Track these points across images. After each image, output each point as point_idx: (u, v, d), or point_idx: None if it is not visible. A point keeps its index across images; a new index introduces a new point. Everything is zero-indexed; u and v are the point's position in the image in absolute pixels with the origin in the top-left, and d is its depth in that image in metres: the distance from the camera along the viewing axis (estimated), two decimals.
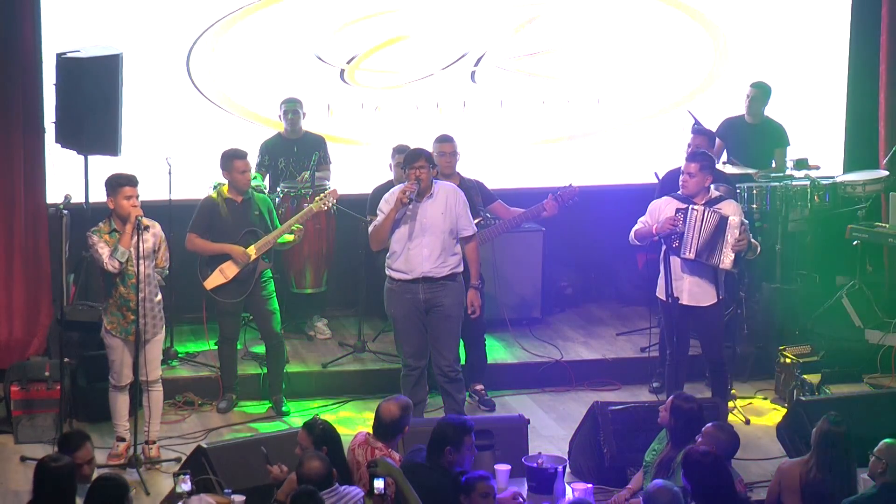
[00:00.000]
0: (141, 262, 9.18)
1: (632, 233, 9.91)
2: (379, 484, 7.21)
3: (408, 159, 9.66)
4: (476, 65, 12.13)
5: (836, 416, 7.75)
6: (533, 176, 12.33)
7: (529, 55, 12.18)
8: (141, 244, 9.17)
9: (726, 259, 9.59)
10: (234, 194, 10.26)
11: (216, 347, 10.55)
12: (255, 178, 10.63)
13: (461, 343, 10.15)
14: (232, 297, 10.24)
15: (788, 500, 7.73)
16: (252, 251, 10.17)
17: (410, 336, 9.71)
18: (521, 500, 7.79)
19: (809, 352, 10.80)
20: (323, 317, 11.69)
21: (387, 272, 9.74)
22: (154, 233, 9.40)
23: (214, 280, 10.21)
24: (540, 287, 11.88)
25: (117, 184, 9.27)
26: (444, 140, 10.50)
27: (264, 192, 10.87)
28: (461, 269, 9.74)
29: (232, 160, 10.23)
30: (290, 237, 10.36)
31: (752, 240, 9.85)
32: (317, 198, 10.41)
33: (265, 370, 10.59)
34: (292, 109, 11.45)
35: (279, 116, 11.54)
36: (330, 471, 7.22)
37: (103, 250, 9.22)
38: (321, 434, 7.70)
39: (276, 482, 7.67)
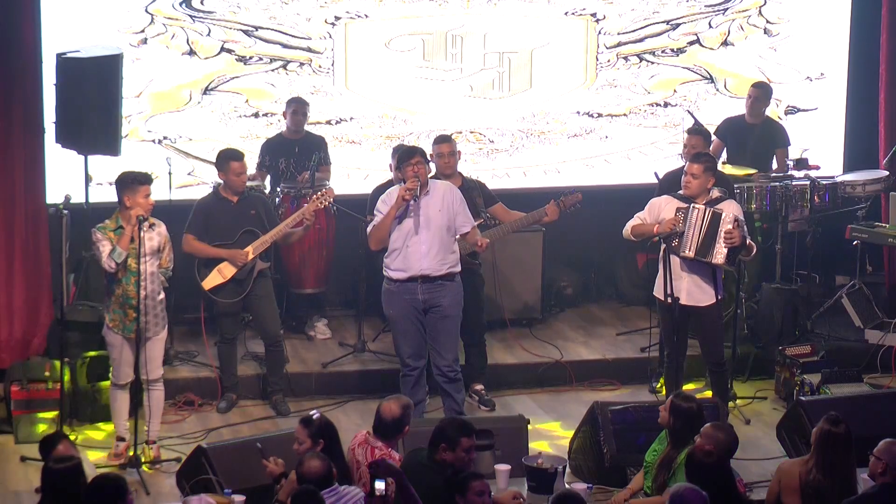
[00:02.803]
0: (143, 259, 9.18)
1: (628, 227, 9.88)
2: (380, 485, 7.21)
3: (402, 157, 9.67)
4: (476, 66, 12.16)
5: (836, 416, 7.74)
6: (533, 176, 12.34)
7: (528, 54, 12.19)
8: (146, 242, 9.17)
9: (718, 255, 9.59)
10: (230, 194, 10.25)
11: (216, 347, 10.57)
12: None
13: (461, 343, 10.16)
14: (230, 296, 10.23)
15: (788, 500, 7.72)
16: (249, 251, 10.16)
17: (409, 336, 9.71)
18: (521, 500, 7.79)
19: (809, 352, 10.80)
20: (323, 317, 11.68)
21: (384, 272, 9.74)
22: (159, 232, 9.40)
23: (212, 280, 10.20)
24: (540, 287, 11.87)
25: (137, 182, 9.26)
26: (442, 140, 10.49)
27: (261, 192, 10.87)
28: (459, 268, 9.74)
29: (228, 161, 10.21)
30: (297, 229, 10.31)
31: (749, 241, 9.81)
32: (313, 197, 10.39)
33: (265, 370, 10.59)
34: (301, 110, 11.44)
35: (283, 115, 11.54)
36: (330, 470, 7.22)
37: (105, 248, 9.22)
38: (318, 428, 7.69)
39: (272, 477, 7.66)
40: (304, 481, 7.12)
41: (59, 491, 6.88)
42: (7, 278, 10.68)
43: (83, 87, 10.25)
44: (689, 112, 12.02)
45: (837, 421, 7.68)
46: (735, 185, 11.01)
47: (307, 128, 11.57)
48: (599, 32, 12.33)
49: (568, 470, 8.77)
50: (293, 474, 7.37)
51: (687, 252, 9.61)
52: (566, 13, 12.25)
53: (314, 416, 7.80)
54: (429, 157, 9.89)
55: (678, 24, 12.48)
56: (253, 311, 10.47)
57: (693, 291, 9.72)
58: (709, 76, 12.57)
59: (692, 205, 9.65)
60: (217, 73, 11.75)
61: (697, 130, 11.07)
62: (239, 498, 7.77)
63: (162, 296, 9.45)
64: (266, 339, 10.46)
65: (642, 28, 12.41)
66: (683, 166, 10.12)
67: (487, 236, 10.39)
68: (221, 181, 10.29)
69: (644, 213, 9.86)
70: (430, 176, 9.81)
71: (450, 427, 7.73)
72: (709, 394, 10.10)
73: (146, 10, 11.51)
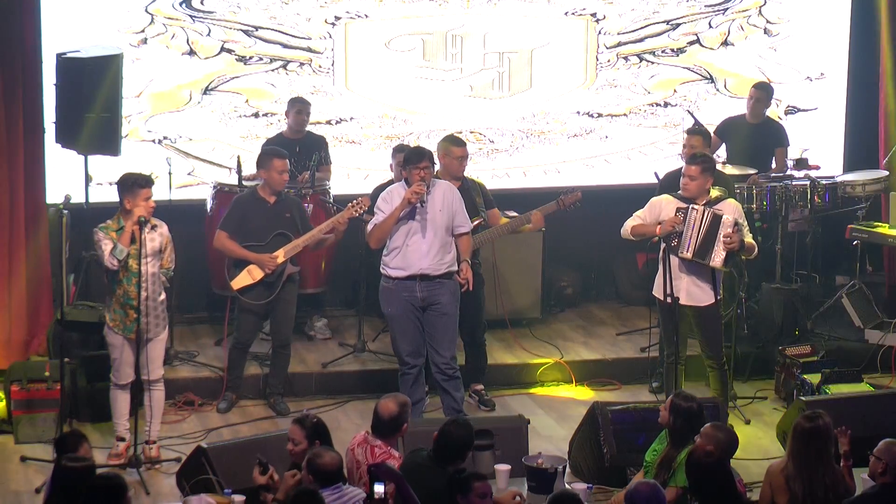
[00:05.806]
0: (144, 260, 9.17)
1: (627, 226, 9.86)
2: (379, 488, 7.20)
3: (410, 159, 9.63)
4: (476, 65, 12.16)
5: (816, 412, 7.64)
6: (533, 176, 12.34)
7: (528, 54, 12.19)
8: (147, 243, 9.17)
9: (717, 257, 9.59)
10: (268, 195, 10.18)
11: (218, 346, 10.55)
12: None
13: (461, 343, 10.15)
14: (258, 298, 10.14)
15: (781, 501, 7.71)
16: (281, 254, 10.10)
17: (408, 335, 9.71)
18: (520, 500, 7.79)
19: (809, 352, 10.80)
20: (323, 317, 11.68)
21: (382, 270, 9.73)
22: (161, 232, 9.39)
23: (241, 280, 10.11)
24: (540, 287, 11.88)
25: (137, 185, 9.23)
26: (457, 143, 10.38)
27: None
28: (456, 266, 9.73)
29: (271, 158, 10.14)
30: (329, 235, 10.27)
31: (751, 240, 9.81)
32: (349, 204, 10.28)
33: (266, 370, 10.58)
34: (305, 110, 11.43)
35: (285, 114, 11.53)
36: (343, 465, 7.24)
37: (107, 247, 9.22)
38: (313, 428, 7.68)
39: (272, 488, 7.64)
40: (319, 474, 7.11)
41: (70, 490, 6.87)
42: (7, 278, 10.69)
43: (83, 87, 10.25)
44: (689, 112, 12.03)
45: (813, 416, 7.60)
46: (734, 186, 11.01)
47: (308, 128, 11.57)
48: (599, 32, 12.34)
49: (568, 470, 8.77)
50: (288, 475, 7.38)
51: (685, 253, 9.62)
52: (566, 13, 12.26)
53: (308, 416, 7.79)
54: (441, 162, 9.86)
55: (678, 24, 12.49)
56: (272, 313, 10.37)
57: (692, 291, 9.72)
58: (709, 76, 12.58)
59: (691, 205, 9.65)
60: (217, 73, 11.76)
61: (697, 130, 11.06)
62: (239, 498, 7.77)
63: (163, 296, 9.44)
64: (276, 342, 10.40)
65: (642, 28, 12.42)
66: (683, 166, 10.11)
67: (481, 238, 10.38)
68: (262, 179, 10.20)
69: (644, 212, 9.86)
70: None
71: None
72: (709, 394, 10.10)
73: (146, 10, 11.52)
